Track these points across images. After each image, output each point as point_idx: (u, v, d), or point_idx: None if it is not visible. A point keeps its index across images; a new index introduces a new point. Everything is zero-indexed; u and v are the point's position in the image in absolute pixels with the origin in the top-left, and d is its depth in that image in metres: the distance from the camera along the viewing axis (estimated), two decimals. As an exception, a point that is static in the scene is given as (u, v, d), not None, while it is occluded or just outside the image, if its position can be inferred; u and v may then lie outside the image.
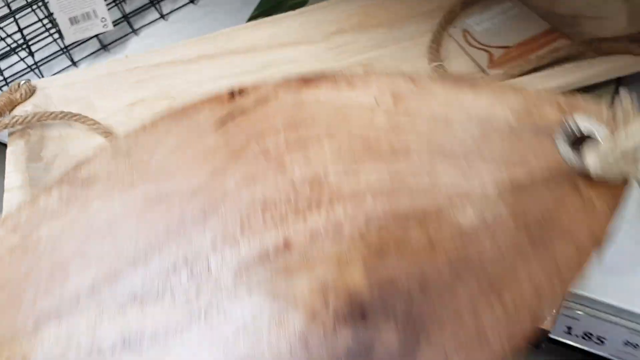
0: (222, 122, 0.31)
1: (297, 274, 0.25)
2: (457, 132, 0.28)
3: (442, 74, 0.43)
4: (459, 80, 0.30)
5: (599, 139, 0.26)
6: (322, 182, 0.28)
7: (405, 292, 0.23)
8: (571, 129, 0.26)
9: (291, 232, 0.26)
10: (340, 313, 0.23)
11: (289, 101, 0.31)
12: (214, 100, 0.32)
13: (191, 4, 0.58)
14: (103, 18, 0.49)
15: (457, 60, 0.44)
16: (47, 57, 0.52)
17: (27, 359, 0.23)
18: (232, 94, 0.32)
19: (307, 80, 0.32)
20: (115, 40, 0.54)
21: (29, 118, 0.40)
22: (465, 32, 0.46)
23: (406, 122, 0.29)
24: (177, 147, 0.30)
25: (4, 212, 0.33)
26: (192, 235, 0.27)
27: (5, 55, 0.52)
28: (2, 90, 0.50)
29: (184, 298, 0.25)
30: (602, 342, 0.35)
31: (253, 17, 0.53)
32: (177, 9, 0.57)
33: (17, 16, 0.49)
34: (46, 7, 0.50)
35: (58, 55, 0.52)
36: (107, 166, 0.29)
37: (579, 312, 0.34)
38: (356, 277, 0.24)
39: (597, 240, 0.25)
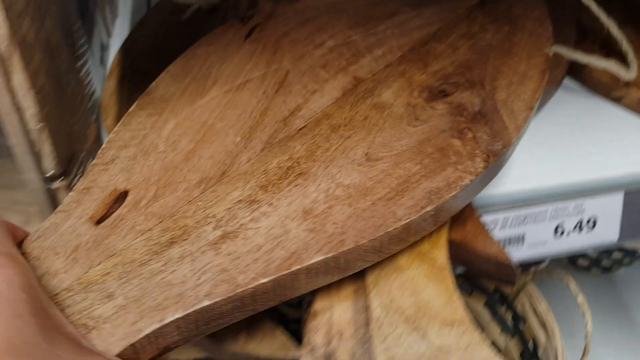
0: (248, 35, 0.38)
1: (381, 91, 0.34)
2: None
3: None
4: None
5: None
6: (350, 43, 0.37)
7: (464, 75, 0.35)
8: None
9: (357, 69, 0.36)
10: (428, 97, 0.34)
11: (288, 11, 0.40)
12: (230, 26, 0.39)
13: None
14: None
15: None
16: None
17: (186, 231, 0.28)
18: (242, 19, 0.40)
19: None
20: None
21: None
22: None
23: None
24: (224, 57, 0.36)
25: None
26: (282, 101, 0.34)
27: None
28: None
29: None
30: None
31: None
32: None
33: None
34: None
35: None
36: (172, 86, 0.35)
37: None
38: (423, 78, 0.35)
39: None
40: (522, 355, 0.50)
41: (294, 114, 0.33)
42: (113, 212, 0.27)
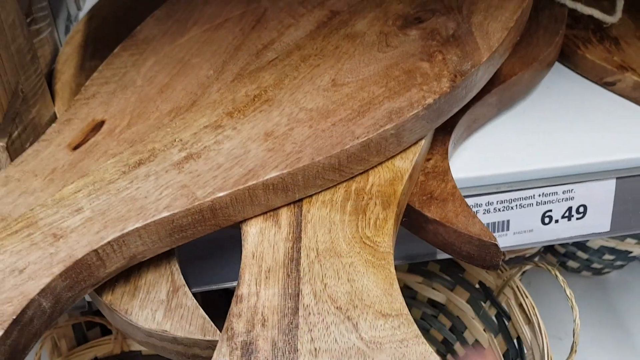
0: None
1: (355, 22, 0.35)
2: None
3: None
4: None
5: None
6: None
7: (442, 1, 0.35)
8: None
9: (334, 3, 0.36)
10: (401, 25, 0.34)
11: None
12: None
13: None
14: None
15: None
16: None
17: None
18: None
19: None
20: None
21: None
22: None
23: None
24: (205, 1, 0.38)
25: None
26: (257, 36, 0.35)
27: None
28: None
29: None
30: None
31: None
32: None
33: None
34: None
35: None
36: (155, 29, 0.36)
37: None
38: (399, 8, 0.35)
39: None
40: (506, 354, 0.48)
41: (267, 47, 0.34)
42: (89, 139, 0.29)
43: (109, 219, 0.26)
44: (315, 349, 0.24)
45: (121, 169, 0.28)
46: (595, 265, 0.70)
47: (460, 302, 0.51)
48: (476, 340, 0.51)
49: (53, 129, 0.30)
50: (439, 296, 0.53)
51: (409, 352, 0.23)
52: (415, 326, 0.24)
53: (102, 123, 0.30)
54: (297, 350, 0.24)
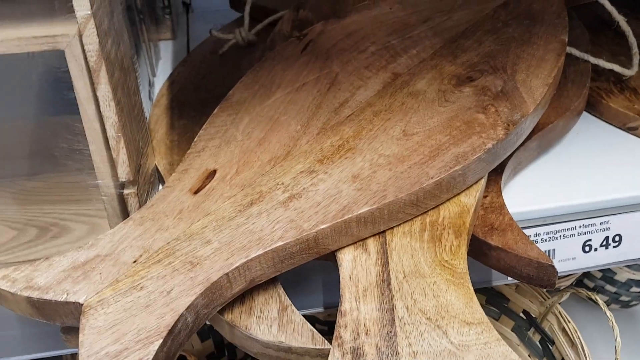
0: (303, 49, 0.46)
1: (416, 82, 0.41)
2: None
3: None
4: None
5: None
6: (389, 47, 0.44)
7: (488, 63, 0.41)
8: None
9: (395, 67, 0.43)
10: (456, 83, 0.40)
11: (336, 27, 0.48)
12: (289, 43, 0.47)
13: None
14: None
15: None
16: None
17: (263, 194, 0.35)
18: (298, 37, 0.48)
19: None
20: None
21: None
22: None
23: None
24: (285, 67, 0.44)
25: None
26: (333, 96, 0.41)
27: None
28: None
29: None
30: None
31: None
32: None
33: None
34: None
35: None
36: (245, 93, 0.43)
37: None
38: (452, 69, 0.41)
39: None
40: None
41: (343, 105, 0.40)
42: (206, 185, 0.35)
43: (234, 248, 0.31)
44: (414, 352, 0.28)
45: (237, 208, 0.33)
46: (623, 298, 0.74)
47: (505, 330, 0.55)
48: (523, 367, 0.55)
49: (174, 178, 0.36)
50: (487, 327, 0.57)
51: (493, 352, 0.28)
52: (495, 332, 0.29)
53: (214, 172, 0.36)
54: (398, 353, 0.28)
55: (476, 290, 0.59)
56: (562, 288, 0.67)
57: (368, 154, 0.36)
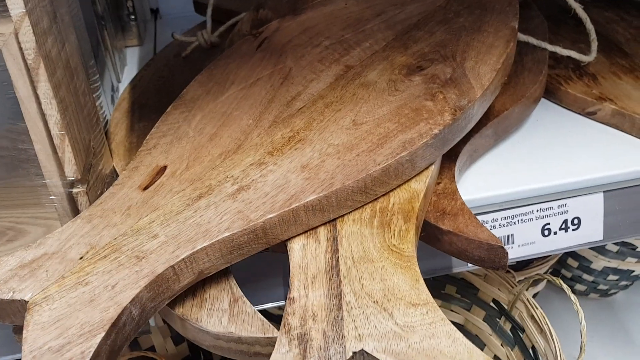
0: (259, 46, 0.46)
1: (367, 73, 0.41)
2: None
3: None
4: None
5: None
6: (343, 41, 0.45)
7: (438, 52, 0.42)
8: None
9: (348, 59, 0.43)
10: (406, 73, 0.40)
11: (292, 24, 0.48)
12: (245, 41, 0.47)
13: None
14: None
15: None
16: None
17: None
18: (254, 34, 0.48)
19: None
20: None
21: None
22: None
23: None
24: (240, 64, 0.45)
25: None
26: (286, 90, 0.41)
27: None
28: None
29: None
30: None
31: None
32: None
33: None
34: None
35: None
36: (199, 90, 0.43)
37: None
38: (403, 59, 0.42)
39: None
40: (524, 363, 0.51)
41: (295, 99, 0.40)
42: (156, 181, 0.35)
43: (180, 241, 0.31)
44: (360, 335, 0.28)
45: (185, 202, 0.34)
46: (601, 287, 0.74)
47: (477, 320, 0.56)
48: (495, 356, 0.55)
49: (124, 175, 0.36)
50: (457, 317, 0.58)
51: (438, 331, 0.28)
52: (440, 312, 0.29)
53: (164, 168, 0.36)
54: (344, 337, 0.28)
55: (446, 281, 0.60)
56: (531, 275, 0.67)
57: (317, 144, 0.36)
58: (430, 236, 0.37)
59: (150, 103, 0.51)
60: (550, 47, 0.49)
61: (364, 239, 0.33)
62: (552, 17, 0.53)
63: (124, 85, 0.57)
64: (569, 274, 0.77)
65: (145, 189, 0.35)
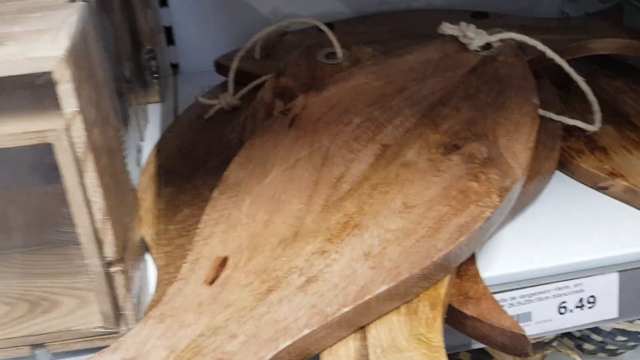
0: (290, 124, 0.47)
1: (405, 152, 0.43)
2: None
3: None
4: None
5: None
6: (373, 118, 0.46)
7: (469, 130, 0.44)
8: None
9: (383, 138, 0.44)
10: (444, 152, 0.42)
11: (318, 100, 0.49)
12: (275, 119, 0.48)
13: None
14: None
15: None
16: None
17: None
18: (283, 112, 0.49)
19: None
20: None
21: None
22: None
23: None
24: (276, 144, 0.45)
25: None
26: (328, 171, 0.42)
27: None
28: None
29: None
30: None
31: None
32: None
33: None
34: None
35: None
36: (241, 173, 0.43)
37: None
38: (437, 137, 0.43)
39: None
40: None
41: (340, 180, 0.41)
42: (220, 275, 0.35)
43: (261, 340, 0.31)
44: None
45: (256, 297, 0.34)
46: (609, 346, 0.77)
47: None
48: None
49: (186, 269, 0.36)
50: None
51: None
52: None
53: (225, 259, 0.36)
54: None
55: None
56: (545, 342, 0.69)
57: (374, 230, 0.37)
58: (453, 319, 0.38)
59: (176, 168, 0.51)
60: (556, 117, 0.52)
61: (392, 327, 0.34)
62: (561, 85, 0.56)
63: (146, 145, 0.57)
64: (577, 334, 0.79)
65: (211, 283, 0.35)
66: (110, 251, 0.36)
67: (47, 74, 0.30)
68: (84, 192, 0.34)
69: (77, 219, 0.35)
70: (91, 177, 0.34)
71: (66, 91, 0.31)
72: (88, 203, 0.34)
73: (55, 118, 0.32)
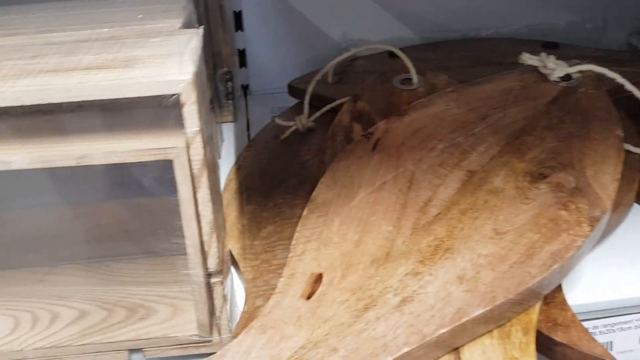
0: (373, 148, 0.48)
1: (492, 179, 0.43)
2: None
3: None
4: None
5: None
6: (456, 144, 0.47)
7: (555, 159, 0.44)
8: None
9: (468, 164, 0.45)
10: (531, 180, 0.42)
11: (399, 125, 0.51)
12: (358, 142, 0.50)
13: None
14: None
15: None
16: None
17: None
18: (365, 135, 0.50)
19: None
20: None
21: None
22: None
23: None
24: (360, 166, 0.46)
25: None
26: (415, 195, 0.43)
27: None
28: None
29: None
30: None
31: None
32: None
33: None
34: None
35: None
36: (328, 193, 0.45)
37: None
38: (522, 165, 0.44)
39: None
40: None
41: (428, 204, 0.42)
42: (316, 290, 0.36)
43: (362, 356, 0.32)
44: None
45: (353, 314, 0.35)
46: None
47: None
48: None
49: (283, 283, 0.37)
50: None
51: None
52: None
53: (320, 276, 0.37)
54: None
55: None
56: None
57: (467, 254, 0.38)
58: (541, 345, 0.37)
59: (255, 186, 0.53)
60: (634, 149, 0.52)
61: (485, 349, 0.34)
62: (633, 116, 0.56)
63: (223, 162, 0.59)
64: None
65: (308, 297, 0.36)
66: (213, 263, 0.37)
67: (174, 96, 0.32)
68: (196, 206, 0.36)
69: (187, 231, 0.36)
70: (204, 193, 0.36)
71: (191, 112, 0.33)
72: (198, 217, 0.36)
73: (177, 136, 0.34)
